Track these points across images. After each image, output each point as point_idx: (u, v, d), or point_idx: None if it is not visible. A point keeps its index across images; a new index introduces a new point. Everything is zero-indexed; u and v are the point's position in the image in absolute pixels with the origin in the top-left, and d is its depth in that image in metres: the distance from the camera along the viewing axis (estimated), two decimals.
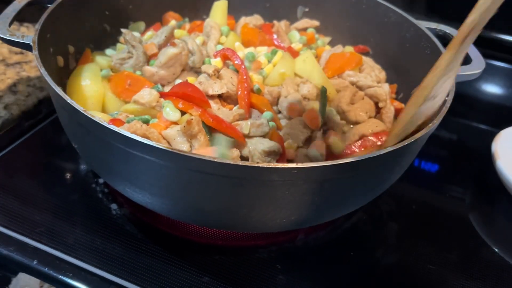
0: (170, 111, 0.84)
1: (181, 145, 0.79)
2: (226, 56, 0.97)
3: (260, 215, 0.74)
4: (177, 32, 1.07)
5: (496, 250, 0.95)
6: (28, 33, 0.97)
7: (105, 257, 0.83)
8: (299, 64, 1.02)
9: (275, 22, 1.22)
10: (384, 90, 1.00)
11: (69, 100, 0.70)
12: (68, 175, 1.00)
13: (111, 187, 0.96)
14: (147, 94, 0.87)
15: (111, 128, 0.66)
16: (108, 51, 1.10)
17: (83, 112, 0.68)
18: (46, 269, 0.79)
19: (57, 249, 0.83)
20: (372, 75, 1.05)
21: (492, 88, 1.52)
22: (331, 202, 0.76)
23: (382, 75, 1.10)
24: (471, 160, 1.21)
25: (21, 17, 0.97)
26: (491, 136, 1.13)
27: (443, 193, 1.09)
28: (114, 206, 0.93)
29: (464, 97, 1.37)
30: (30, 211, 0.90)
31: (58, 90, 0.73)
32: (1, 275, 0.86)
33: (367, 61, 1.11)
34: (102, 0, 1.09)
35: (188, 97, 0.85)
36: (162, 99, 0.87)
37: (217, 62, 0.96)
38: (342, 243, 0.91)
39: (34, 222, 0.88)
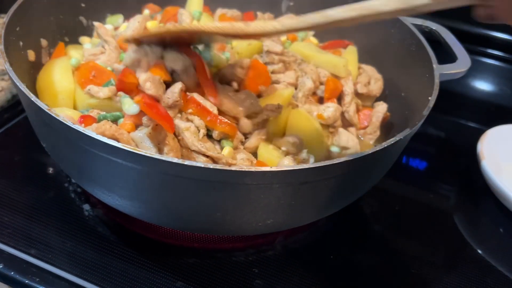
0: (129, 107, 0.80)
1: (149, 149, 0.75)
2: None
3: (235, 219, 0.71)
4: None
5: (479, 251, 0.94)
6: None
7: (76, 261, 0.80)
8: None
9: (258, 13, 1.18)
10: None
11: (33, 98, 0.67)
12: (40, 174, 0.96)
13: None
14: (100, 91, 0.84)
15: (76, 128, 0.63)
16: (86, 45, 1.06)
17: (47, 110, 0.65)
18: (12, 273, 0.76)
19: (25, 252, 0.79)
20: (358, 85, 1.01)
21: (480, 85, 1.50)
22: (308, 205, 0.74)
23: (377, 85, 1.04)
24: (457, 158, 1.19)
25: None
26: (479, 134, 1.11)
27: (427, 191, 1.07)
28: (86, 206, 0.90)
29: (452, 94, 1.35)
30: None
31: (22, 87, 0.69)
32: None
33: (367, 69, 1.07)
34: None
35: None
36: (120, 93, 0.83)
37: None
38: (323, 245, 0.89)
39: (1, 223, 0.84)
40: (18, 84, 0.69)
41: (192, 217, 0.71)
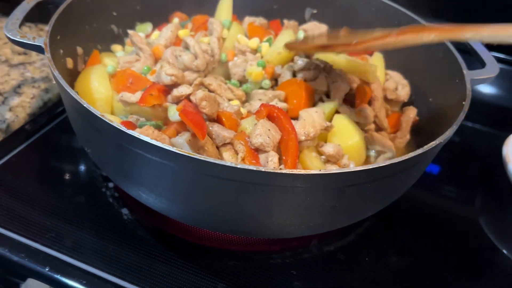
0: (174, 114, 0.82)
1: None
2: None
3: (279, 221, 0.73)
4: (181, 32, 1.06)
5: (507, 254, 0.95)
6: (30, 33, 0.95)
7: (118, 263, 0.81)
8: None
9: (285, 20, 1.20)
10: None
11: (85, 104, 0.69)
12: (76, 179, 0.98)
13: (121, 191, 0.94)
14: (133, 96, 0.86)
15: (130, 133, 0.64)
16: (119, 53, 1.08)
17: (100, 116, 0.67)
18: (59, 276, 0.78)
19: (69, 256, 0.81)
20: (387, 91, 1.03)
21: (494, 91, 1.52)
22: (351, 208, 0.75)
23: (405, 91, 1.07)
24: (477, 162, 1.21)
25: (37, 15, 0.96)
26: (498, 139, 1.13)
27: (452, 196, 1.09)
28: (125, 210, 0.92)
29: (472, 100, 1.37)
30: (40, 216, 0.88)
31: (74, 93, 0.71)
32: (8, 281, 0.84)
33: (393, 75, 1.09)
34: (110, 1, 1.07)
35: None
36: (167, 103, 0.86)
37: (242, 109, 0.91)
38: (355, 248, 0.91)
39: (44, 227, 0.86)
40: (69, 91, 0.71)
41: (238, 220, 0.73)
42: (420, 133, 1.02)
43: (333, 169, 0.64)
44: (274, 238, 0.88)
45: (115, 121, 0.74)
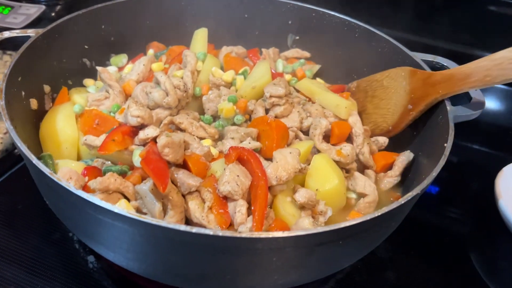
0: (138, 159, 0.77)
1: (152, 204, 0.73)
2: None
3: (246, 281, 0.68)
4: (154, 66, 1.01)
5: None
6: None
7: None
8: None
9: (263, 50, 1.16)
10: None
11: (34, 160, 0.65)
12: (42, 223, 0.93)
13: None
14: (97, 139, 0.82)
15: (79, 194, 0.60)
16: (90, 88, 1.04)
17: (49, 175, 0.63)
18: None
19: None
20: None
21: (492, 111, 1.46)
22: (322, 264, 0.70)
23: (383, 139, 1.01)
24: (471, 184, 1.17)
25: (4, 47, 0.92)
26: (491, 158, 1.08)
27: (442, 219, 1.05)
28: (91, 258, 0.87)
29: (469, 120, 1.32)
30: (1, 265, 0.84)
31: (24, 148, 0.67)
32: None
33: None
34: (81, 34, 1.03)
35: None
36: (133, 146, 0.81)
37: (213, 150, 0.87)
38: None
39: (4, 278, 0.82)
40: (19, 145, 0.67)
41: (202, 279, 0.68)
42: (407, 171, 0.97)
43: (297, 230, 0.59)
44: None
45: (70, 170, 0.71)
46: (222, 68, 1.06)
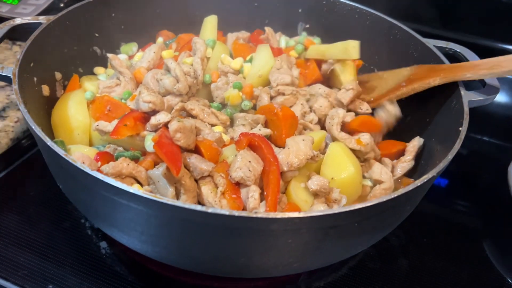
0: (150, 144, 0.77)
1: (165, 189, 0.72)
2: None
3: (260, 263, 0.68)
4: (164, 53, 1.01)
5: (509, 280, 0.89)
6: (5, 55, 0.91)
7: None
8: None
9: (266, 28, 1.15)
10: None
11: (49, 142, 0.65)
12: (55, 210, 0.93)
13: None
14: (109, 125, 0.82)
15: (93, 175, 0.60)
16: (101, 76, 1.04)
17: (64, 156, 0.62)
18: None
19: None
20: None
21: (504, 102, 1.44)
22: (337, 247, 0.70)
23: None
24: (483, 175, 1.15)
25: (14, 36, 0.92)
26: (503, 150, 1.07)
27: (453, 211, 1.04)
28: (103, 244, 0.87)
29: (475, 111, 1.30)
30: (13, 251, 0.84)
31: (38, 130, 0.67)
32: None
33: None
34: (91, 22, 1.03)
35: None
36: (145, 132, 0.81)
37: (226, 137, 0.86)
38: (347, 283, 0.85)
39: (17, 263, 0.82)
40: (33, 127, 0.67)
41: (215, 262, 0.68)
42: (420, 157, 0.96)
43: (312, 211, 0.59)
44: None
45: (82, 155, 0.71)
46: (231, 55, 1.05)
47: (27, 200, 0.95)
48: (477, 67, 0.85)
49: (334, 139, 0.90)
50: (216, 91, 0.95)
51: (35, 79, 0.87)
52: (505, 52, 1.41)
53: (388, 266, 0.90)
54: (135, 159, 0.80)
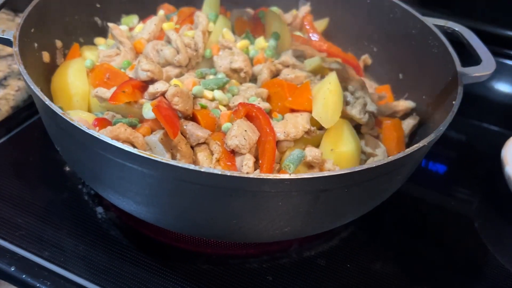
0: (148, 111, 0.78)
1: (161, 154, 0.74)
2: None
3: (251, 226, 0.69)
4: (165, 25, 1.02)
5: (501, 261, 0.90)
6: (5, 24, 0.92)
7: (88, 265, 0.79)
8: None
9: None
10: None
11: (47, 101, 0.66)
12: (53, 175, 0.95)
13: None
14: (108, 91, 0.82)
15: (90, 133, 0.61)
16: (101, 47, 1.05)
17: (61, 115, 0.64)
18: (24, 276, 0.75)
19: (37, 255, 0.79)
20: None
21: (503, 88, 1.45)
22: (328, 213, 0.71)
23: None
24: (479, 162, 1.15)
25: (15, 6, 0.93)
26: (502, 138, 1.07)
27: (448, 197, 1.04)
28: (100, 209, 0.89)
29: (474, 96, 1.31)
30: (12, 212, 0.86)
31: (37, 90, 0.68)
32: None
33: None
34: None
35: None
36: (142, 100, 0.82)
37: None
38: (339, 253, 0.87)
39: (15, 224, 0.84)
40: (32, 87, 0.68)
41: (207, 224, 0.70)
42: (415, 134, 0.97)
43: (303, 174, 0.60)
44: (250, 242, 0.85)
45: (80, 119, 0.72)
46: (232, 31, 1.06)
47: (27, 166, 0.97)
48: None
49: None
50: (220, 61, 0.95)
51: (36, 44, 0.88)
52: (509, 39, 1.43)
53: (379, 240, 0.91)
54: (133, 126, 0.81)
